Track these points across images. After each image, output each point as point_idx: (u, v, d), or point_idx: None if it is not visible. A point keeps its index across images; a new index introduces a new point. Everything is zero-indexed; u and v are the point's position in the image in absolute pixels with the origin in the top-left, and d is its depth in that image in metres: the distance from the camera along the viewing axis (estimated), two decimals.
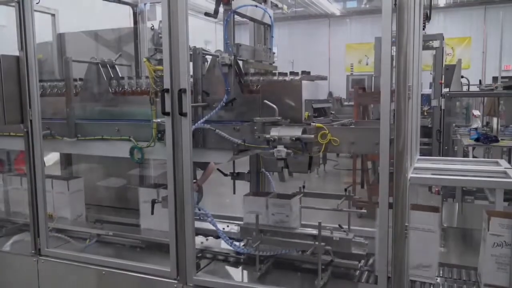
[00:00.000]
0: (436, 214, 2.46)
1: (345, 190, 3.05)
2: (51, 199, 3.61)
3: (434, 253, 2.48)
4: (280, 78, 2.82)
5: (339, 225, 2.92)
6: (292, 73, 2.79)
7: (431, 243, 2.46)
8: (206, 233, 3.33)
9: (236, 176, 3.44)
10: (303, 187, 3.08)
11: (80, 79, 3.40)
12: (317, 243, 2.62)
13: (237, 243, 2.96)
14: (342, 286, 2.72)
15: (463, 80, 7.86)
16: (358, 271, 2.83)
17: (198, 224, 2.93)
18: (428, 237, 2.44)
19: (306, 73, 2.77)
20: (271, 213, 2.91)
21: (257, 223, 2.76)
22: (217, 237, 3.26)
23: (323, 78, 2.87)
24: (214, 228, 3.01)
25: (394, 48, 2.16)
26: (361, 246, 2.81)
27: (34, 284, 3.18)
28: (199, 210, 2.97)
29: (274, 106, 2.55)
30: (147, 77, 3.01)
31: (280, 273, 2.84)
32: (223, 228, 3.41)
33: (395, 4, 2.12)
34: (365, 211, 3.11)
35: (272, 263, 2.91)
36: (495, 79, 8.63)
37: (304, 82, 2.66)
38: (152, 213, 3.45)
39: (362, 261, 2.86)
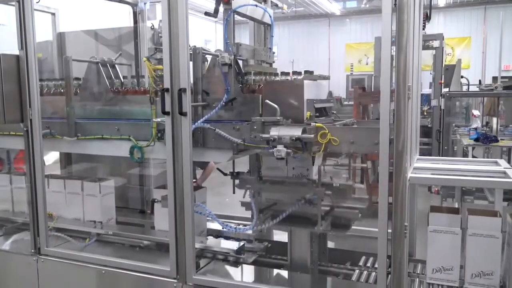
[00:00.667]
0: (497, 219, 2.36)
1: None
2: (81, 202, 3.55)
3: (496, 260, 2.36)
4: (282, 77, 2.82)
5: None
6: (294, 72, 2.79)
7: (493, 249, 2.35)
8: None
9: (235, 175, 3.44)
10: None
11: (77, 79, 3.40)
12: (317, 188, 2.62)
13: (233, 225, 2.96)
14: (342, 284, 2.72)
15: (463, 80, 7.87)
16: (357, 271, 2.84)
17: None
18: (490, 243, 2.34)
19: (309, 73, 2.77)
20: (292, 167, 2.89)
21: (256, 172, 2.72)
22: (217, 236, 3.27)
23: (326, 78, 2.88)
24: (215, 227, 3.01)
25: (394, 48, 2.16)
26: (361, 201, 2.81)
27: (34, 283, 3.19)
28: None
29: (276, 106, 2.55)
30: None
31: (280, 224, 2.84)
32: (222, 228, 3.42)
33: (395, 4, 2.11)
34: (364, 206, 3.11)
35: (272, 216, 2.90)
36: (495, 79, 8.64)
37: (306, 81, 2.66)
38: (152, 212, 3.46)
39: (362, 260, 2.87)
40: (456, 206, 5.46)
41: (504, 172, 2.40)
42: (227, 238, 3.28)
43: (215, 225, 3.30)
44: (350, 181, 2.81)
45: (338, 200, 2.80)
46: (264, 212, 2.89)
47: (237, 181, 3.06)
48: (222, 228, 3.04)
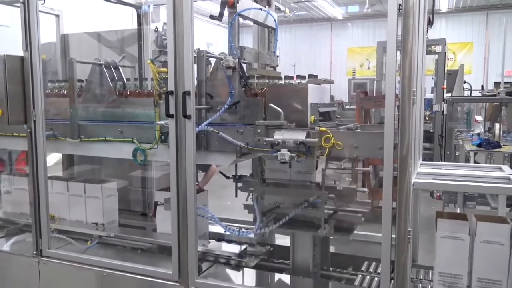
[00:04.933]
0: (506, 226, 2.29)
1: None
2: (84, 204, 3.55)
3: (504, 268, 2.29)
4: (286, 81, 2.82)
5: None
6: (298, 76, 2.79)
7: (501, 256, 2.28)
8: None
9: (238, 179, 3.43)
10: None
11: (80, 80, 3.41)
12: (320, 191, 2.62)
13: (235, 228, 2.96)
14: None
15: (465, 85, 7.86)
16: (360, 276, 2.83)
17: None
18: (498, 250, 2.28)
19: (313, 77, 2.77)
20: (294, 171, 2.89)
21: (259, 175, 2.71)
22: (219, 239, 3.26)
23: (330, 82, 2.88)
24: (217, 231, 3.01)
25: (398, 52, 2.16)
26: (364, 204, 2.81)
27: (35, 285, 3.18)
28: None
29: (280, 110, 2.55)
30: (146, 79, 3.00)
31: (283, 227, 2.84)
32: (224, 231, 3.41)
33: (400, 9, 2.11)
34: (366, 190, 3.10)
35: (274, 219, 2.90)
36: (497, 84, 8.64)
37: (310, 85, 2.66)
38: (154, 215, 3.46)
39: (365, 265, 2.86)
40: (458, 212, 5.45)
41: (508, 178, 2.39)
42: (229, 241, 3.27)
43: (217, 229, 3.30)
44: (354, 185, 2.80)
45: (341, 203, 2.79)
46: (267, 215, 2.88)
47: (239, 184, 3.05)
48: (225, 231, 3.03)
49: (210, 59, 2.92)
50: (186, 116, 2.55)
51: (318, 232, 2.61)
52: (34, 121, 3.07)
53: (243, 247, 3.11)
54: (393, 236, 2.23)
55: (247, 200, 3.04)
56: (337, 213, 2.78)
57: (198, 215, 2.72)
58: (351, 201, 2.75)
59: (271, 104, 2.60)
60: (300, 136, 2.44)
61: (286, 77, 2.85)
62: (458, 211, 5.58)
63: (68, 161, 4.26)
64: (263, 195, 2.84)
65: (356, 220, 2.78)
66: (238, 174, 3.39)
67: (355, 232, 2.98)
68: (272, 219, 2.88)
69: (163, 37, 3.43)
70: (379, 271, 2.78)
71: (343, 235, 2.77)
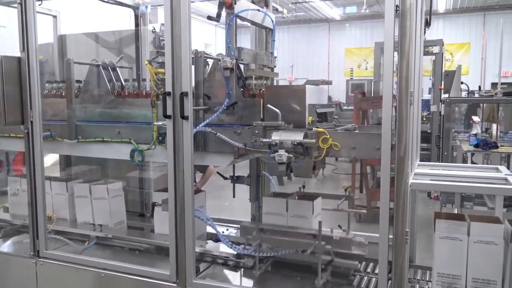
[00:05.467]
0: (500, 226, 2.31)
1: (345, 190, 3.04)
2: (90, 205, 3.55)
3: (498, 267, 2.30)
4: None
5: (338, 225, 2.91)
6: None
7: (495, 256, 2.29)
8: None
9: (236, 179, 3.44)
10: (303, 186, 3.08)
11: (78, 81, 3.40)
12: (317, 242, 2.61)
13: (236, 246, 2.95)
14: None
15: (463, 86, 7.89)
16: (358, 276, 2.83)
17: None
18: (491, 250, 2.29)
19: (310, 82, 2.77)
20: (291, 215, 2.90)
21: (256, 223, 2.76)
22: (217, 240, 3.26)
23: (328, 82, 2.88)
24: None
25: (395, 53, 2.16)
26: (361, 246, 2.80)
27: (33, 286, 3.17)
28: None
29: (277, 111, 2.55)
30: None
31: (280, 274, 2.85)
32: (223, 232, 3.41)
33: (397, 10, 2.12)
34: (365, 211, 3.11)
35: (272, 264, 2.90)
36: (494, 85, 8.66)
37: (308, 86, 2.66)
38: (152, 215, 3.45)
39: (362, 264, 2.85)
40: (456, 212, 5.46)
41: (505, 179, 2.40)
42: None
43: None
44: (350, 234, 2.81)
45: (338, 251, 2.79)
46: (264, 261, 2.89)
47: (237, 232, 3.06)
48: (219, 239, 3.01)
49: (208, 60, 2.92)
50: (184, 117, 2.55)
51: (315, 282, 2.63)
52: (31, 121, 3.06)
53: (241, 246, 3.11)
54: (391, 236, 2.23)
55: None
56: (333, 261, 2.79)
57: (196, 217, 2.71)
58: (347, 250, 2.75)
59: (268, 105, 2.60)
60: (298, 137, 2.44)
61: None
62: (456, 212, 5.60)
63: (66, 162, 4.25)
64: (261, 243, 2.83)
65: (353, 267, 2.79)
66: (235, 174, 3.40)
67: (352, 232, 2.98)
68: (270, 264, 2.90)
69: (161, 38, 3.44)
70: (376, 271, 2.78)
71: (341, 282, 2.77)
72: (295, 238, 2.78)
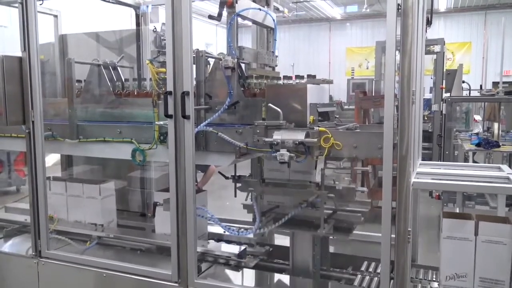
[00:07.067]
0: (507, 226, 2.29)
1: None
2: (82, 204, 3.54)
3: (507, 267, 2.29)
4: (285, 81, 2.81)
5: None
6: (297, 76, 2.79)
7: (503, 256, 2.28)
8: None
9: (237, 179, 3.43)
10: None
11: (79, 81, 3.40)
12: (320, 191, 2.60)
13: (235, 228, 2.95)
14: None
15: (464, 85, 7.87)
16: (359, 276, 2.83)
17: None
18: (499, 250, 2.28)
19: (311, 77, 2.76)
20: (292, 171, 2.86)
21: (259, 175, 2.72)
22: (219, 240, 3.26)
23: (329, 82, 2.87)
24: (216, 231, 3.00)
25: (397, 52, 2.16)
26: (363, 204, 2.82)
27: (34, 286, 3.17)
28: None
29: (279, 110, 2.54)
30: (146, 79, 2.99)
31: (282, 227, 2.83)
32: (224, 232, 3.41)
33: (398, 9, 2.11)
34: (366, 189, 3.09)
35: (273, 219, 2.88)
36: (495, 84, 8.64)
37: (309, 85, 2.65)
38: (153, 215, 3.45)
39: (364, 265, 2.85)
40: (460, 212, 5.45)
41: (508, 178, 2.39)
42: (228, 242, 3.27)
43: (216, 229, 3.29)
44: (353, 184, 2.79)
45: (341, 203, 2.79)
46: (267, 215, 2.87)
47: (239, 184, 3.05)
48: (224, 231, 3.02)
49: (209, 59, 2.92)
50: (185, 117, 2.54)
51: (317, 232, 2.60)
52: (33, 121, 3.06)
53: (243, 247, 3.11)
54: (393, 236, 2.22)
55: (246, 200, 3.03)
56: (336, 213, 2.78)
57: (198, 215, 2.71)
58: (350, 200, 2.74)
59: (270, 104, 2.60)
60: (299, 136, 2.43)
61: (285, 77, 2.84)
62: (457, 211, 5.59)
63: (67, 161, 4.25)
64: (262, 195, 2.83)
65: (356, 219, 2.77)
66: (237, 174, 3.39)
67: (354, 232, 2.98)
68: (272, 219, 2.87)
69: (162, 38, 3.43)
70: (378, 271, 2.77)
71: (343, 235, 2.76)
72: (297, 189, 2.75)
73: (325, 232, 2.60)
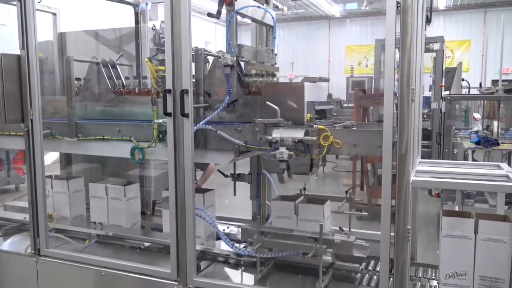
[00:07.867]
0: (507, 224, 2.29)
1: (346, 192, 3.04)
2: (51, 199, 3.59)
3: (506, 266, 2.28)
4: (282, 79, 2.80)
5: (339, 227, 2.90)
6: None
7: (503, 255, 2.27)
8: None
9: (236, 177, 3.43)
10: (304, 189, 3.07)
11: (78, 79, 3.39)
12: (318, 245, 2.60)
13: (237, 245, 2.94)
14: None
15: (464, 83, 7.87)
16: (359, 274, 2.82)
17: None
18: (499, 248, 2.27)
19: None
20: (299, 219, 2.87)
21: (258, 225, 2.75)
22: (218, 238, 3.25)
23: (326, 80, 2.87)
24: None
25: (396, 50, 2.15)
26: (362, 248, 2.80)
27: (33, 284, 3.17)
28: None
29: (276, 108, 2.54)
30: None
31: (281, 276, 2.83)
32: (223, 230, 3.41)
33: (398, 6, 2.11)
34: (366, 213, 3.11)
35: (273, 266, 2.90)
36: (495, 82, 8.65)
37: (306, 83, 2.65)
38: (153, 213, 3.45)
39: (363, 264, 2.85)
40: (457, 209, 5.46)
41: (507, 176, 2.39)
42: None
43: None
44: (351, 237, 2.76)
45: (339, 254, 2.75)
46: (266, 264, 2.87)
47: (237, 230, 3.01)
48: (220, 238, 2.99)
49: (208, 57, 2.91)
50: (184, 115, 2.54)
51: (316, 286, 2.60)
52: (31, 120, 3.05)
53: (242, 245, 3.10)
54: (392, 234, 2.22)
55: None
56: (335, 264, 2.77)
57: (197, 215, 2.71)
58: (349, 253, 2.73)
59: (267, 102, 2.59)
60: (299, 134, 2.43)
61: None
62: (457, 209, 5.59)
63: (66, 160, 4.24)
64: (262, 245, 2.78)
65: (354, 269, 2.77)
66: (236, 172, 3.39)
67: (353, 230, 2.98)
68: (271, 266, 2.88)
69: (161, 35, 3.42)
70: (378, 269, 2.77)
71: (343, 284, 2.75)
72: (296, 241, 2.73)
73: (323, 286, 2.60)
